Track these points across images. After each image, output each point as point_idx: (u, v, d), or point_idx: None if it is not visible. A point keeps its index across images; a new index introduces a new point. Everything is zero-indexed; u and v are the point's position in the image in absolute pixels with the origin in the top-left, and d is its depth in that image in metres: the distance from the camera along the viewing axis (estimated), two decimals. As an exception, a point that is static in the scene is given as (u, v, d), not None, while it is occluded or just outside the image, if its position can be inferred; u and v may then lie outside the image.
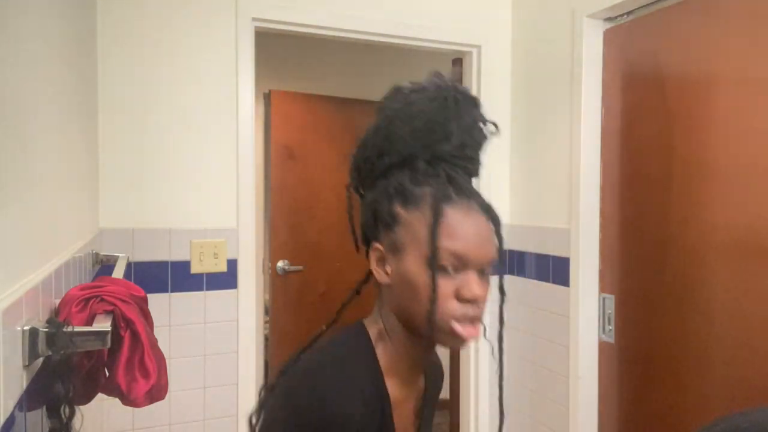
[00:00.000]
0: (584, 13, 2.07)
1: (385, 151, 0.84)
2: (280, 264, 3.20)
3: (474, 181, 0.88)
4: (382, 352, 0.84)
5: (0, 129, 0.71)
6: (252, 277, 2.13)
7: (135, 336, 1.04)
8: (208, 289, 2.08)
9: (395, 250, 0.82)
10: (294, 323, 3.24)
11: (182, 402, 1.99)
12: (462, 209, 0.79)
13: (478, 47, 2.47)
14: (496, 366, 1.68)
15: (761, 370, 1.55)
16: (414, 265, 0.78)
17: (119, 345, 1.03)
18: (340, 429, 0.73)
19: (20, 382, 0.76)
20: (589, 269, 2.10)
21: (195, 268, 2.06)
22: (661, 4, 1.86)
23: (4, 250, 0.73)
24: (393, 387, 0.84)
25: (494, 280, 0.85)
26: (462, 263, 0.78)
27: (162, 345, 1.13)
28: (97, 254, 1.69)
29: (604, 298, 2.08)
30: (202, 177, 2.07)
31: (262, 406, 0.85)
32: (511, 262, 2.51)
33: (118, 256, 1.67)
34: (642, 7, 1.93)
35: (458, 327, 0.77)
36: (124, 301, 1.05)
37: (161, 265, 2.02)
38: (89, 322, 0.96)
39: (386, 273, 0.83)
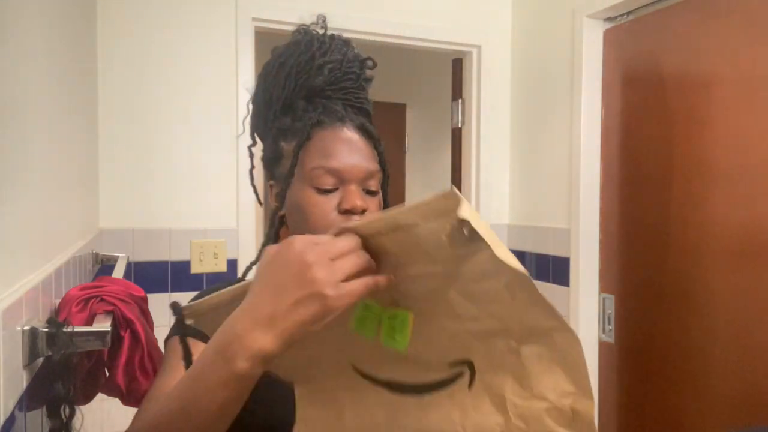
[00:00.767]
0: (584, 13, 2.07)
1: (268, 101, 0.90)
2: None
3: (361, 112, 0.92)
4: None
5: (0, 128, 0.71)
6: (252, 278, 2.13)
7: (135, 336, 1.04)
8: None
9: (284, 180, 0.87)
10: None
11: (182, 402, 1.98)
12: (334, 130, 0.84)
13: (478, 47, 2.47)
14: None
15: (761, 369, 1.55)
16: (298, 189, 0.84)
17: (119, 345, 1.03)
18: None
19: (20, 382, 0.76)
20: (589, 269, 2.10)
21: (195, 268, 2.06)
22: (661, 4, 1.86)
23: (4, 250, 0.73)
24: None
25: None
26: (339, 179, 0.83)
27: (162, 345, 1.13)
28: (97, 254, 1.69)
29: (604, 298, 2.08)
30: (202, 177, 2.07)
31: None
32: (511, 262, 2.51)
33: (118, 256, 1.67)
34: (642, 7, 1.93)
35: None
36: (124, 301, 1.05)
37: (161, 265, 2.02)
38: (89, 322, 0.96)
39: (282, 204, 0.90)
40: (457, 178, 2.62)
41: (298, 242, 0.54)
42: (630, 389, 1.97)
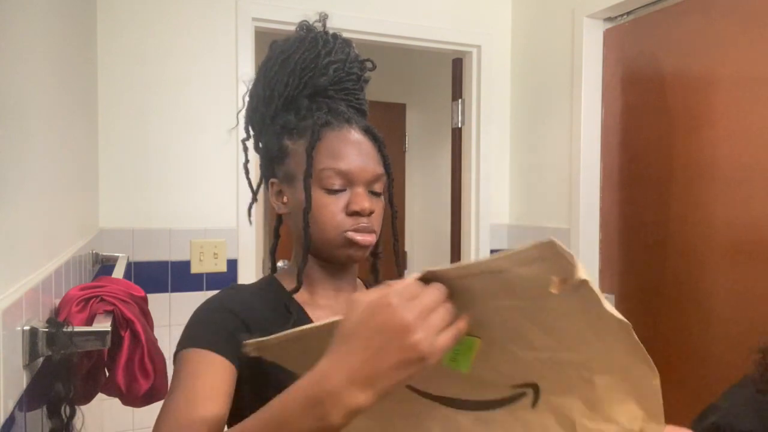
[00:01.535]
0: (584, 13, 2.07)
1: (269, 98, 0.90)
2: (280, 264, 3.19)
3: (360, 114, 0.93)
4: (283, 276, 0.92)
5: (0, 128, 0.71)
6: (252, 277, 2.13)
7: (135, 336, 1.04)
8: (208, 289, 2.08)
9: (289, 179, 0.88)
10: (294, 323, 3.24)
11: (182, 402, 1.98)
12: (342, 132, 0.85)
13: (478, 47, 2.47)
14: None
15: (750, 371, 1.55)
16: (305, 184, 0.84)
17: (119, 345, 1.03)
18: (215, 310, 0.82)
19: (20, 382, 0.76)
20: (589, 269, 2.09)
21: (195, 268, 2.06)
22: (661, 4, 1.87)
23: (4, 250, 0.73)
24: (308, 302, 0.89)
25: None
26: (348, 181, 0.84)
27: (162, 345, 1.13)
28: (97, 254, 1.69)
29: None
30: (202, 177, 2.07)
31: None
32: (511, 262, 2.51)
33: (118, 256, 1.67)
34: (642, 7, 1.93)
35: (353, 234, 0.83)
36: (123, 301, 1.05)
37: (161, 265, 2.02)
38: (89, 322, 0.96)
39: (283, 203, 0.90)
40: (457, 178, 2.62)
41: (394, 299, 0.53)
42: (630, 389, 1.97)
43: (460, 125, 2.58)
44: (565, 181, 2.18)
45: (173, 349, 0.83)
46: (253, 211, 0.99)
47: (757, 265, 1.56)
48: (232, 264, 2.11)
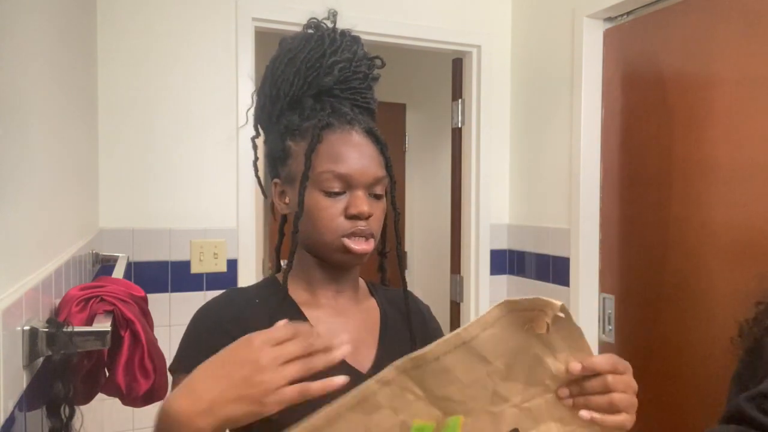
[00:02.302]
0: (584, 13, 2.07)
1: (275, 97, 0.89)
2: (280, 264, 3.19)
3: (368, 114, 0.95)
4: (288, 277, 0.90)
5: (0, 128, 0.71)
6: (252, 277, 2.13)
7: (135, 336, 1.04)
8: (208, 289, 2.08)
9: (291, 180, 0.88)
10: (294, 323, 3.24)
11: (182, 402, 1.97)
12: (343, 134, 0.85)
13: (478, 47, 2.47)
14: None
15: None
16: (306, 191, 0.84)
17: (119, 345, 1.03)
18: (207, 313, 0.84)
19: (20, 382, 0.76)
20: (589, 269, 2.10)
21: (195, 268, 2.06)
22: (661, 4, 1.86)
23: (4, 250, 0.73)
24: (308, 301, 0.89)
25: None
26: (348, 184, 0.83)
27: (162, 345, 1.13)
28: (97, 254, 1.69)
29: (604, 298, 2.08)
30: (202, 177, 2.07)
31: None
32: (511, 262, 2.51)
33: (118, 256, 1.67)
34: (642, 7, 1.93)
35: (349, 242, 0.83)
36: (123, 301, 1.05)
37: (161, 265, 2.02)
38: (89, 322, 0.96)
39: (285, 204, 0.90)
40: (457, 178, 2.62)
41: (257, 339, 0.60)
42: (630, 389, 1.97)
43: (460, 125, 2.58)
44: (565, 181, 2.18)
45: (173, 349, 0.83)
46: (252, 211, 0.98)
47: (757, 265, 1.56)
48: (232, 264, 2.11)
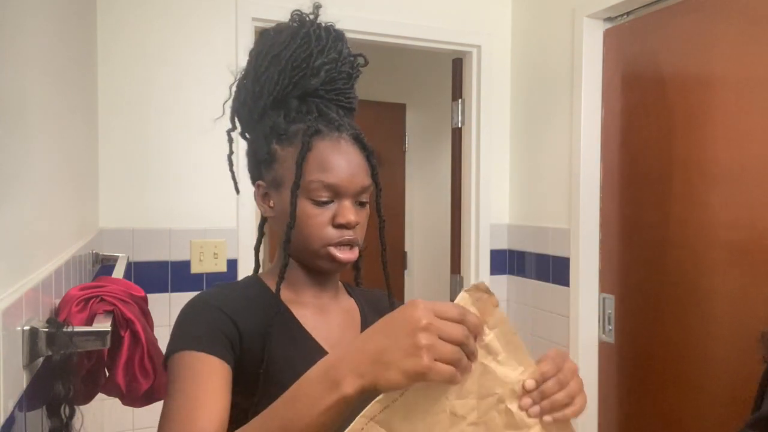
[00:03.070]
0: (584, 13, 2.07)
1: (258, 95, 0.88)
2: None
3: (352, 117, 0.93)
4: (267, 276, 0.91)
5: (0, 128, 0.71)
6: (252, 277, 2.13)
7: (135, 336, 1.04)
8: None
9: (276, 185, 0.87)
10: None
11: (182, 402, 1.97)
12: (332, 141, 0.84)
13: (478, 47, 2.47)
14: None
15: (760, 369, 1.55)
16: (293, 197, 0.83)
17: (119, 345, 1.03)
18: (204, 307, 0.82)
19: (20, 382, 0.76)
20: (589, 269, 2.10)
21: (195, 268, 2.06)
22: (661, 4, 1.87)
23: (4, 250, 0.73)
24: (293, 300, 0.89)
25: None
26: (335, 193, 0.84)
27: (162, 345, 1.13)
28: (97, 254, 1.69)
29: (604, 298, 2.08)
30: (202, 177, 2.07)
31: None
32: (511, 262, 2.51)
33: (118, 256, 1.67)
34: (642, 7, 1.93)
35: (335, 251, 0.83)
36: (123, 301, 1.05)
37: (161, 265, 2.02)
38: (89, 322, 0.96)
39: (269, 207, 0.89)
40: (457, 178, 2.62)
41: (422, 304, 0.59)
42: (630, 389, 1.97)
43: (460, 125, 2.58)
44: (565, 181, 2.18)
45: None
46: (252, 211, 0.98)
47: (757, 265, 1.56)
48: (232, 264, 2.11)
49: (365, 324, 0.93)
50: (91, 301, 1.00)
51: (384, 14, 2.31)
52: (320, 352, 0.84)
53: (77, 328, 0.88)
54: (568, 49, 2.17)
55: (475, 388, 0.63)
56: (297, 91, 0.88)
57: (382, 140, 3.72)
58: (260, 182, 0.90)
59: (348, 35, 0.95)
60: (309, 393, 0.61)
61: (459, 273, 2.59)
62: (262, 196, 0.91)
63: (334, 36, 0.90)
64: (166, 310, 1.99)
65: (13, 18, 0.79)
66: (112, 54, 1.96)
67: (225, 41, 2.09)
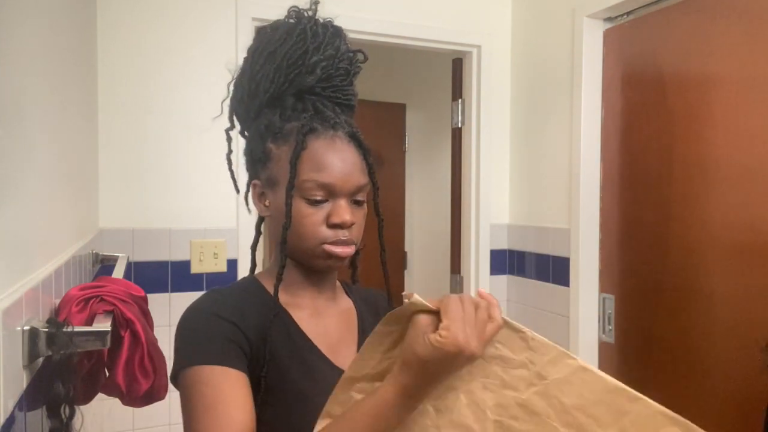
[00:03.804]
0: (584, 13, 2.07)
1: (254, 92, 0.87)
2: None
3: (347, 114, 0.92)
4: (264, 277, 0.91)
5: (0, 128, 0.71)
6: (252, 277, 2.13)
7: (135, 336, 1.04)
8: (208, 289, 2.07)
9: (272, 184, 0.86)
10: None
11: (182, 402, 1.97)
12: (327, 140, 0.83)
13: (478, 47, 2.47)
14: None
15: (761, 369, 1.55)
16: (287, 197, 0.82)
17: (119, 345, 1.03)
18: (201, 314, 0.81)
19: (20, 382, 0.76)
20: (589, 269, 2.10)
21: (195, 268, 2.06)
22: (661, 4, 1.86)
23: (4, 250, 0.73)
24: (290, 302, 0.88)
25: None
26: (329, 192, 0.83)
27: (162, 345, 1.13)
28: (97, 254, 1.69)
29: (604, 298, 2.08)
30: (202, 177, 2.07)
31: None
32: (511, 262, 2.51)
33: (118, 256, 1.67)
34: (642, 7, 1.93)
35: (330, 247, 0.83)
36: (123, 301, 1.05)
37: (161, 265, 2.02)
38: (89, 322, 0.96)
39: (265, 206, 0.89)
40: (457, 178, 2.62)
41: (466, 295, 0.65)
42: (630, 389, 1.97)
43: (460, 125, 2.58)
44: (565, 181, 2.18)
45: (173, 349, 0.82)
46: (253, 211, 0.97)
47: (757, 265, 1.56)
48: (232, 264, 2.11)
49: (362, 325, 0.93)
50: (91, 301, 1.00)
51: (384, 14, 2.31)
52: (318, 357, 0.84)
53: (77, 328, 0.88)
54: (568, 49, 2.17)
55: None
56: (293, 89, 0.87)
57: (382, 140, 3.72)
58: (256, 181, 0.90)
59: (348, 35, 0.94)
60: (391, 409, 0.65)
61: (459, 273, 2.59)
62: (258, 196, 0.90)
63: (331, 32, 0.89)
64: (166, 310, 1.99)
65: (12, 18, 0.79)
66: (112, 54, 1.96)
67: (225, 41, 2.09)
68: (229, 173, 0.98)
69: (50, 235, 1.03)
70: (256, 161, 0.89)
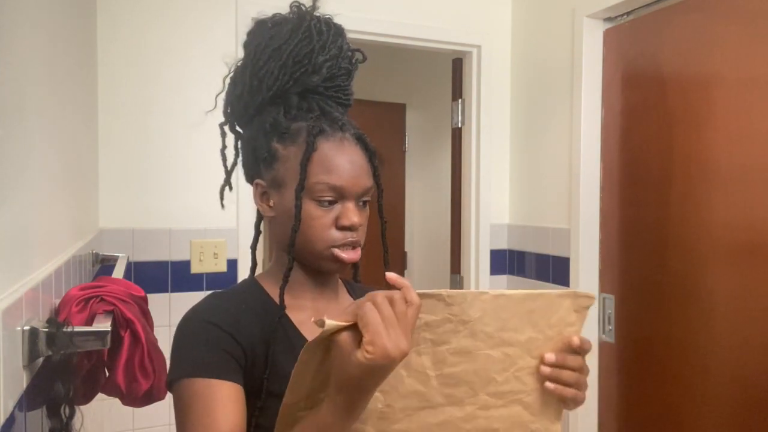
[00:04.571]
0: (584, 13, 2.07)
1: (256, 89, 0.87)
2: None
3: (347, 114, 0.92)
4: (265, 278, 0.90)
5: (0, 128, 0.71)
6: (252, 277, 2.13)
7: (135, 336, 1.04)
8: (208, 289, 2.07)
9: (277, 185, 0.85)
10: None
11: (182, 402, 1.97)
12: (335, 142, 0.83)
13: (478, 47, 2.47)
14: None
15: (761, 369, 1.55)
16: (297, 199, 0.82)
17: (119, 345, 1.03)
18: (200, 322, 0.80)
19: (20, 382, 0.76)
20: (589, 269, 2.10)
21: (195, 268, 2.06)
22: (661, 4, 1.86)
23: (4, 250, 0.73)
24: (291, 304, 0.87)
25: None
26: (339, 195, 0.82)
27: (162, 345, 1.13)
28: (97, 254, 1.69)
29: (604, 298, 2.08)
30: (201, 177, 2.07)
31: None
32: (511, 262, 2.51)
33: (118, 256, 1.67)
34: (642, 7, 1.93)
35: (339, 252, 0.82)
36: (123, 301, 1.05)
37: (161, 265, 2.02)
38: (89, 322, 0.96)
39: (269, 206, 0.87)
40: (457, 178, 2.62)
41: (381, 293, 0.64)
42: (630, 389, 1.97)
43: (460, 125, 2.58)
44: (565, 181, 2.18)
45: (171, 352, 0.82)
46: (253, 210, 0.96)
47: (757, 265, 1.56)
48: (232, 264, 2.11)
49: None
50: (91, 301, 1.00)
51: (384, 14, 2.31)
52: None
53: (77, 328, 0.88)
54: (568, 49, 2.17)
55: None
56: (297, 88, 0.86)
57: (382, 140, 3.72)
58: (259, 181, 0.88)
59: (348, 35, 0.94)
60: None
61: (459, 273, 2.59)
62: (260, 196, 0.88)
63: (334, 31, 0.89)
64: (166, 310, 1.99)
65: (13, 18, 0.79)
66: (112, 54, 1.96)
67: (225, 41, 2.09)
68: (224, 169, 0.97)
69: (50, 235, 1.03)
70: (260, 160, 0.87)
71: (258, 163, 0.88)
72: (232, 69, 0.92)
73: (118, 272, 1.43)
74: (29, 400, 0.79)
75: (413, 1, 2.37)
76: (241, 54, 0.95)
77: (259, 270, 0.98)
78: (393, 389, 0.69)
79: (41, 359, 0.84)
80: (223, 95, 0.95)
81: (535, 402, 0.75)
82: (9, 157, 0.75)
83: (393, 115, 3.94)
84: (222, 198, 0.97)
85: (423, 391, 0.70)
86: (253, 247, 0.98)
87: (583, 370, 0.75)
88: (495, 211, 2.52)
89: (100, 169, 1.95)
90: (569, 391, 0.74)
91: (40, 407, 0.87)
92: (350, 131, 0.85)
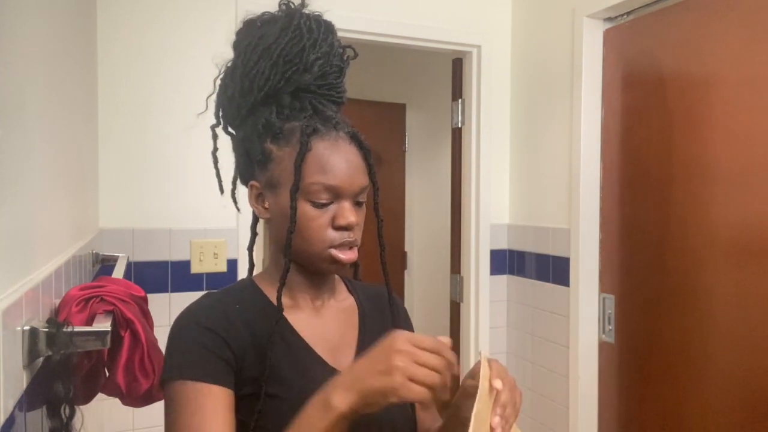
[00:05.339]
0: (584, 13, 2.07)
1: (248, 90, 0.85)
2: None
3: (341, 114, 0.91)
4: (262, 279, 0.90)
5: (0, 128, 0.71)
6: (252, 277, 2.13)
7: (135, 336, 1.04)
8: (208, 289, 2.06)
9: (272, 186, 0.84)
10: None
11: (182, 402, 1.97)
12: (330, 141, 0.82)
13: (478, 47, 2.47)
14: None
15: (761, 369, 1.55)
16: (293, 200, 0.81)
17: (119, 345, 1.03)
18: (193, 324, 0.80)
19: (20, 382, 0.76)
20: (589, 269, 2.10)
21: (195, 268, 2.06)
22: (661, 4, 1.87)
23: (4, 250, 0.72)
24: (288, 305, 0.87)
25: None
26: (335, 195, 0.82)
27: (162, 345, 1.13)
28: (97, 254, 1.69)
29: (604, 298, 2.08)
30: (201, 177, 2.07)
31: None
32: (511, 262, 2.51)
33: (118, 256, 1.67)
34: (642, 7, 1.93)
35: (337, 253, 0.82)
36: (123, 301, 1.05)
37: (161, 265, 2.02)
38: (89, 322, 0.96)
39: (264, 208, 0.87)
40: (457, 178, 2.62)
41: (402, 335, 0.68)
42: (630, 389, 1.97)
43: (460, 125, 2.58)
44: (565, 181, 2.18)
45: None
46: (252, 210, 0.96)
47: (757, 265, 1.56)
48: (232, 264, 2.11)
49: (364, 323, 0.92)
50: (91, 301, 1.00)
51: (384, 14, 2.31)
52: (316, 361, 0.84)
53: (77, 328, 0.88)
54: (568, 49, 2.17)
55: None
56: (289, 87, 0.85)
57: (382, 140, 3.72)
58: (254, 183, 0.87)
59: (348, 35, 0.94)
60: (310, 418, 0.68)
61: (459, 273, 2.59)
62: (255, 197, 0.88)
63: (324, 28, 0.87)
64: (166, 310, 1.99)
65: (13, 18, 0.79)
66: (112, 54, 1.96)
67: (225, 41, 2.07)
68: (215, 171, 0.98)
69: (50, 235, 1.03)
70: (254, 162, 0.86)
71: (252, 164, 0.87)
72: (222, 70, 0.91)
73: (118, 272, 1.43)
74: (29, 400, 0.79)
75: (413, 1, 2.37)
76: (235, 55, 0.94)
77: (258, 270, 0.98)
78: None
79: (41, 359, 0.84)
80: (214, 97, 0.94)
81: None
82: (9, 156, 0.75)
83: (393, 115, 3.93)
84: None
85: None
86: (250, 249, 0.98)
87: (515, 398, 0.75)
88: (495, 211, 2.52)
89: (100, 169, 1.94)
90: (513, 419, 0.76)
91: (40, 407, 0.87)
92: (344, 130, 0.84)
